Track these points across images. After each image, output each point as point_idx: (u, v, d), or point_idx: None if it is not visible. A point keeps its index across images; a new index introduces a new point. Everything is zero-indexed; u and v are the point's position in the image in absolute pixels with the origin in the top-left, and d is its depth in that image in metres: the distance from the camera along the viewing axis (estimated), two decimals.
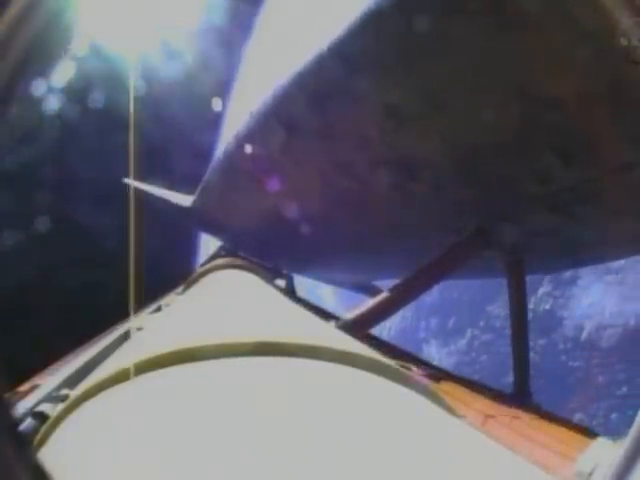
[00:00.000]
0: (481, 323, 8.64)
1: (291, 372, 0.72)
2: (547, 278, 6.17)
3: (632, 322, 6.14)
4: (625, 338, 6.43)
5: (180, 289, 2.13)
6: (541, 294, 6.39)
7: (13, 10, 0.46)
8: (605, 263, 2.68)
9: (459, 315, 9.15)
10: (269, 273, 2.18)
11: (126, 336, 1.61)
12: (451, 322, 9.27)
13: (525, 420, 1.99)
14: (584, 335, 6.65)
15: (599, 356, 6.59)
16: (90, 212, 5.03)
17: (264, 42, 3.08)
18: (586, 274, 6.45)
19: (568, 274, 5.96)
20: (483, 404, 1.95)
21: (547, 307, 6.45)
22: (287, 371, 0.72)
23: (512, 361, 2.55)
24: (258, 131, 2.72)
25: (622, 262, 5.81)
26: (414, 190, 2.41)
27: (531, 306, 6.72)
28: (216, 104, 2.56)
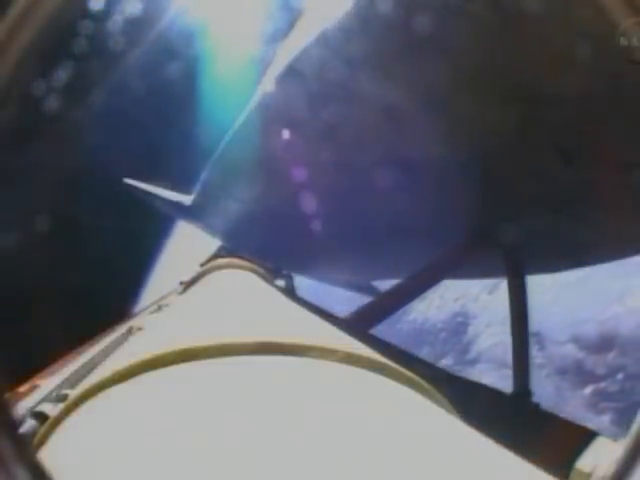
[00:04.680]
0: None
1: (292, 372, 0.72)
2: (451, 353, 6.24)
3: None
4: None
5: (180, 289, 2.13)
6: (442, 365, 6.54)
7: (13, 10, 0.46)
8: (606, 263, 2.69)
9: None
10: (269, 273, 2.17)
11: (126, 336, 1.60)
12: None
13: (525, 420, 1.99)
14: None
15: None
16: (91, 212, 5.03)
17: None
18: (487, 360, 6.58)
19: (472, 356, 6.09)
20: (482, 404, 1.95)
21: None
22: (288, 371, 0.72)
23: (512, 361, 2.55)
24: (257, 129, 2.72)
25: None
26: (414, 190, 2.41)
27: None
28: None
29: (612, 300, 4.49)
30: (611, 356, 4.43)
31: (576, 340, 4.52)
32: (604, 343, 4.47)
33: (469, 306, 5.63)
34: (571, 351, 4.47)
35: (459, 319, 5.68)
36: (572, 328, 4.37)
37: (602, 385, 4.30)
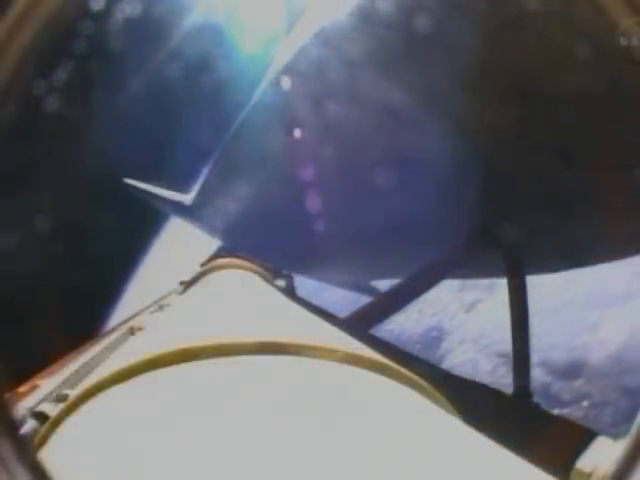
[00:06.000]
0: None
1: (292, 371, 0.72)
2: None
3: None
4: None
5: (180, 289, 2.13)
6: None
7: (13, 10, 0.46)
8: (606, 263, 2.70)
9: None
10: (269, 273, 2.17)
11: (126, 336, 1.61)
12: None
13: (525, 420, 1.99)
14: None
15: None
16: (91, 212, 5.03)
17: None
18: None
19: None
20: (482, 404, 1.95)
21: None
22: (288, 370, 0.72)
23: (512, 361, 2.55)
24: (257, 128, 2.72)
25: None
26: (414, 190, 2.41)
27: None
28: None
29: (584, 329, 4.56)
30: (578, 383, 4.50)
31: (545, 364, 4.58)
32: (572, 370, 4.54)
33: (445, 322, 5.77)
34: (539, 375, 4.53)
35: (434, 334, 5.83)
36: (542, 353, 4.43)
37: (567, 410, 4.35)
